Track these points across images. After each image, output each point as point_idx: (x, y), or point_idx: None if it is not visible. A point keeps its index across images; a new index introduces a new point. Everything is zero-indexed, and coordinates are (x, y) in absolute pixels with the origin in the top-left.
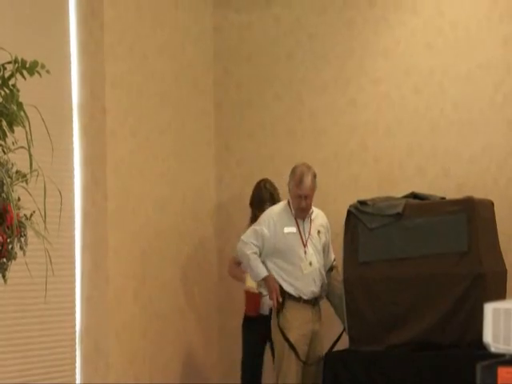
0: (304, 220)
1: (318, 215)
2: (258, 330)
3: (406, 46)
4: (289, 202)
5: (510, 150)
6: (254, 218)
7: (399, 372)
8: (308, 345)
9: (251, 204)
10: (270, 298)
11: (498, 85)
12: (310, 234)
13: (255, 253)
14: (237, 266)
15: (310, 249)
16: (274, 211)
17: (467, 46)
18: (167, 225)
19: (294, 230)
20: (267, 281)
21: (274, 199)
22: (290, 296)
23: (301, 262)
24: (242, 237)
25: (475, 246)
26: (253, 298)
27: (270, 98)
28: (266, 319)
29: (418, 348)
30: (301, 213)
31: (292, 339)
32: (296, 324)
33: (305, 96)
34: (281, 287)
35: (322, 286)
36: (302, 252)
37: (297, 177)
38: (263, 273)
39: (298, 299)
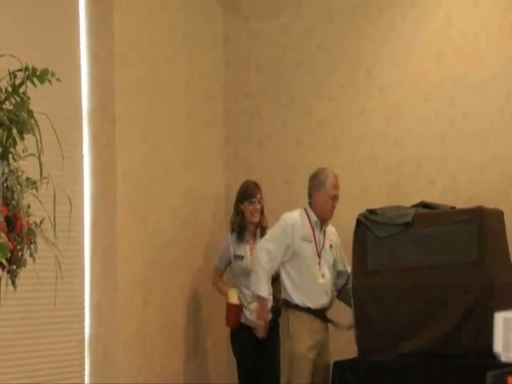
0: (320, 230)
1: (330, 230)
2: (245, 339)
3: (415, 54)
4: (305, 209)
5: None
6: (240, 213)
7: (408, 381)
8: (316, 355)
9: (240, 199)
10: (257, 320)
11: (509, 95)
12: (323, 245)
13: (267, 268)
14: (219, 278)
15: (323, 260)
16: (293, 217)
17: (477, 56)
18: (177, 232)
19: (310, 238)
20: (261, 304)
21: (261, 193)
22: (297, 306)
23: (314, 273)
24: (260, 242)
25: (485, 256)
26: (233, 310)
27: (278, 106)
28: (253, 329)
29: (427, 358)
30: (331, 214)
31: (300, 350)
32: (306, 335)
33: (313, 104)
34: (284, 301)
35: (331, 300)
36: (316, 262)
37: (331, 178)
38: (263, 292)
39: (306, 310)
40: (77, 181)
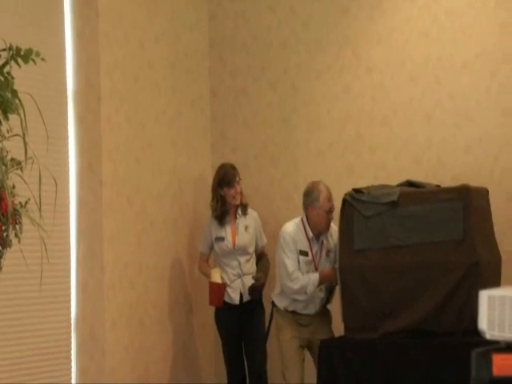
0: (317, 242)
1: (331, 229)
2: (229, 317)
3: (400, 34)
4: (303, 221)
5: (505, 140)
6: (220, 199)
7: (394, 360)
8: (302, 348)
9: (219, 185)
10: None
11: (494, 74)
12: (320, 256)
13: (294, 281)
14: (205, 263)
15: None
16: (289, 232)
17: (463, 34)
18: (163, 212)
19: (307, 251)
20: (323, 279)
21: (238, 174)
22: (282, 310)
23: None
24: (288, 271)
25: (470, 234)
26: (216, 289)
27: (264, 85)
28: (237, 307)
29: (412, 336)
30: (327, 228)
31: (284, 338)
32: (288, 329)
33: (299, 84)
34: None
35: (321, 305)
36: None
37: (324, 192)
38: (314, 278)
39: (292, 312)
40: (62, 161)
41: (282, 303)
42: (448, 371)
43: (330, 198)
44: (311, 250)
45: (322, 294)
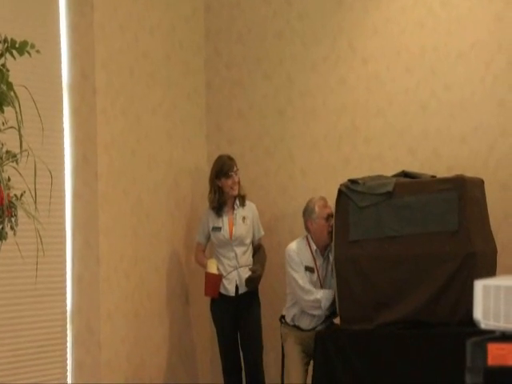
0: (323, 257)
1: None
2: (224, 309)
3: (396, 24)
4: (306, 238)
5: (500, 131)
6: (218, 190)
7: (389, 350)
8: (306, 353)
9: (216, 176)
10: None
11: (489, 64)
12: (326, 271)
13: (308, 293)
14: (201, 253)
15: (326, 287)
16: (294, 249)
17: (458, 25)
18: (159, 205)
19: (312, 267)
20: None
21: (236, 165)
22: (288, 323)
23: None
24: (300, 285)
25: (466, 225)
26: (212, 280)
27: (259, 77)
28: (233, 299)
29: (408, 327)
30: (330, 238)
31: (288, 346)
32: (291, 334)
33: (294, 75)
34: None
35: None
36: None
37: (319, 201)
38: (329, 293)
39: (297, 328)
40: (57, 153)
41: (289, 316)
42: (443, 361)
43: (325, 205)
44: (316, 265)
45: (327, 312)
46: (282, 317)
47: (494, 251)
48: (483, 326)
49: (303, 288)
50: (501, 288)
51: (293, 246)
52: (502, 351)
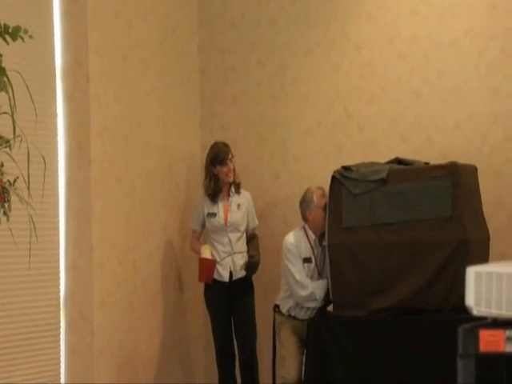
0: (321, 246)
1: None
2: (218, 295)
3: (389, 11)
4: (303, 228)
5: (493, 118)
6: (213, 177)
7: (382, 336)
8: (302, 343)
9: (212, 163)
10: None
11: (482, 52)
12: (324, 261)
13: (304, 287)
14: (196, 240)
15: (324, 276)
16: (291, 241)
17: (451, 12)
18: (152, 191)
19: (310, 257)
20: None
21: (231, 152)
22: (284, 314)
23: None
24: (296, 279)
25: (459, 212)
26: (206, 265)
27: (253, 63)
28: (227, 285)
29: (401, 313)
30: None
31: (283, 336)
32: (287, 324)
33: (288, 61)
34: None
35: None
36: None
37: (316, 191)
38: (323, 283)
39: (293, 317)
40: (51, 139)
41: (284, 307)
42: (435, 348)
43: (323, 195)
44: (314, 254)
45: (323, 303)
46: (276, 306)
47: (487, 238)
48: (475, 312)
49: (298, 282)
50: (493, 274)
51: (290, 238)
52: (494, 337)
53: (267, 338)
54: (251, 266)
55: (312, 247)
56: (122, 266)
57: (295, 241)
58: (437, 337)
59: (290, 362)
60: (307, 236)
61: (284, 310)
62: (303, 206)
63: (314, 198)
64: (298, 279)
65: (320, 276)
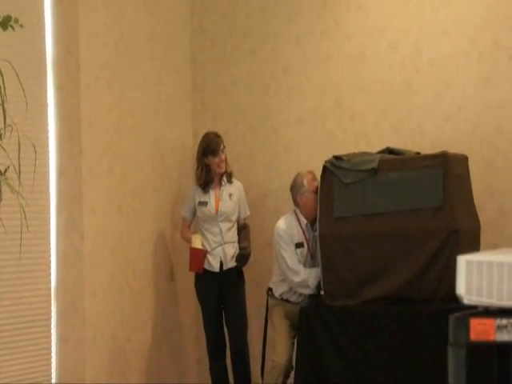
0: (312, 229)
1: None
2: (208, 285)
3: (380, 0)
4: (294, 212)
5: (485, 108)
6: (205, 167)
7: (373, 326)
8: (294, 327)
9: (203, 154)
10: None
11: (474, 42)
12: (316, 245)
13: (296, 273)
14: (186, 228)
15: (316, 260)
16: (283, 227)
17: (442, 1)
18: (144, 181)
19: (302, 241)
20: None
21: (223, 142)
22: (277, 297)
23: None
24: (288, 266)
25: (450, 201)
26: (197, 255)
27: (244, 53)
28: (217, 275)
29: (392, 302)
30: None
31: (276, 319)
32: (280, 307)
33: (279, 51)
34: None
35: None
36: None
37: (307, 175)
38: (316, 271)
39: (286, 300)
40: (41, 129)
41: (277, 291)
42: (427, 337)
43: (314, 179)
44: (306, 239)
45: (316, 291)
46: (270, 289)
47: (478, 228)
48: (466, 301)
49: (291, 269)
50: (483, 263)
51: (281, 224)
52: (485, 326)
53: (258, 327)
54: (242, 258)
55: (304, 232)
56: (114, 256)
57: (287, 226)
58: (428, 326)
59: (281, 346)
60: (299, 221)
61: (277, 294)
62: (294, 190)
63: (305, 182)
64: (290, 265)
65: (313, 260)
